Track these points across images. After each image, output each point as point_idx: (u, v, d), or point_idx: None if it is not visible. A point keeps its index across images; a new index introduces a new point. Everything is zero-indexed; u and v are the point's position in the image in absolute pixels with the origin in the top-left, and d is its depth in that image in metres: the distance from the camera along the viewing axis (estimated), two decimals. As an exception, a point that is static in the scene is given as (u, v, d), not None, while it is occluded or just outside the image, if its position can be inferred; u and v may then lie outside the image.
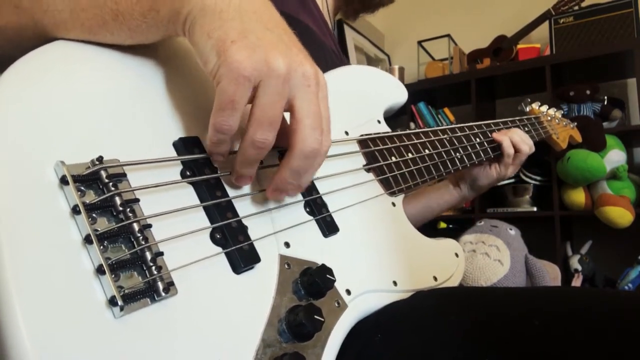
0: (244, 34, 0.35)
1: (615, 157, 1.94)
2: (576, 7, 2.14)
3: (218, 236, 0.39)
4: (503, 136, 0.85)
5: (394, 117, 0.72)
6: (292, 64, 0.36)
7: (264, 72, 0.35)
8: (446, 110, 2.52)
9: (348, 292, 0.46)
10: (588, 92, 2.05)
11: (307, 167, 0.40)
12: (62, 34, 0.40)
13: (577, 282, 1.86)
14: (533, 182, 2.17)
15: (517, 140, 0.86)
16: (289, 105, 0.38)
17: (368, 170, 0.59)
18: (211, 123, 0.37)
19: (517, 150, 0.87)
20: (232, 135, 0.38)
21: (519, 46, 2.33)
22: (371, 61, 2.71)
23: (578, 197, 1.99)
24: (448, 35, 2.59)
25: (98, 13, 0.38)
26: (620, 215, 1.80)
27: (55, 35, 0.40)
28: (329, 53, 0.77)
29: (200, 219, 0.39)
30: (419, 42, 2.66)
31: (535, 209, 2.15)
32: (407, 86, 0.76)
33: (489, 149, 0.84)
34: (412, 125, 2.49)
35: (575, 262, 1.90)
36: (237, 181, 0.42)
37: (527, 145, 0.88)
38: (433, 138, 0.72)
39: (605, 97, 2.11)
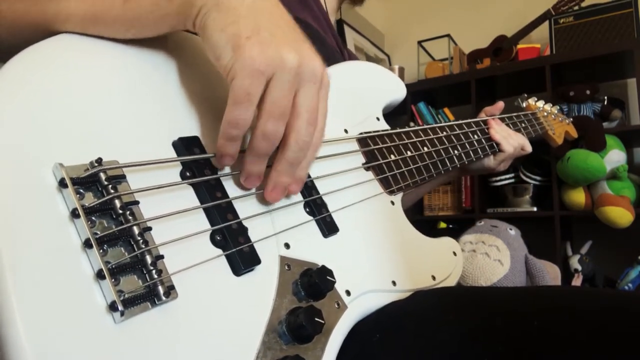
0: (258, 30, 0.36)
1: (615, 157, 1.94)
2: (576, 7, 2.14)
3: (218, 238, 0.39)
4: (497, 135, 0.88)
5: (393, 117, 0.72)
6: (303, 58, 0.38)
7: (277, 66, 0.36)
8: (446, 110, 2.52)
9: (348, 292, 0.46)
10: (588, 92, 2.04)
11: (300, 158, 0.41)
12: (60, 25, 0.39)
13: (577, 282, 1.85)
14: (533, 182, 2.17)
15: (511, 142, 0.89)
16: None
17: (367, 169, 0.59)
18: (225, 119, 0.38)
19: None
20: (244, 132, 0.38)
21: (519, 46, 2.32)
22: (371, 61, 2.70)
23: (578, 197, 1.98)
24: (448, 35, 2.58)
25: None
26: (620, 215, 1.80)
27: (52, 26, 0.40)
28: (331, 51, 0.77)
29: (201, 221, 0.39)
30: (419, 42, 2.66)
31: (535, 209, 2.14)
32: (407, 86, 0.76)
33: (486, 146, 0.85)
34: (411, 125, 2.48)
35: (575, 262, 1.89)
36: (246, 181, 0.42)
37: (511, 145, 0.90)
38: (432, 136, 0.72)
39: (605, 97, 2.10)
